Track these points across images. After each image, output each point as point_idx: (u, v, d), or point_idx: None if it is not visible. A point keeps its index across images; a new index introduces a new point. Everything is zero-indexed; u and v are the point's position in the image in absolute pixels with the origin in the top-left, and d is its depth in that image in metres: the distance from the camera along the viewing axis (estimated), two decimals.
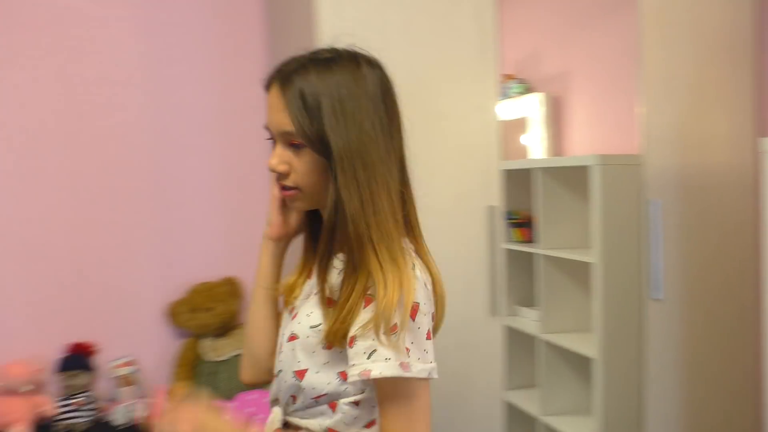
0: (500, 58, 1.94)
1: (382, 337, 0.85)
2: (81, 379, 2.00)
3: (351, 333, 0.88)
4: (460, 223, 1.90)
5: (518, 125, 2.55)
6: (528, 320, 2.11)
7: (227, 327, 2.12)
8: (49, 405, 1.94)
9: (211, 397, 2.00)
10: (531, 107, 2.48)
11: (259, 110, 2.22)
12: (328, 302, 0.93)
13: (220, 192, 2.21)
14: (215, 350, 2.10)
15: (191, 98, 2.16)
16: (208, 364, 2.07)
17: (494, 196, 1.93)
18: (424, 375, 0.87)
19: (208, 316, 2.03)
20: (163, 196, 2.13)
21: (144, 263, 2.13)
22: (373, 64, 0.98)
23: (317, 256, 0.96)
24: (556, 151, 2.46)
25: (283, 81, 0.96)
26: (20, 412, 1.88)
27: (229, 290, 2.14)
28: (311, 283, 1.01)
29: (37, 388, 1.97)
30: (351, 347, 0.88)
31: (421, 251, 0.97)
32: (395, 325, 0.86)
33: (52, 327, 2.03)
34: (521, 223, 2.15)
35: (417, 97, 1.81)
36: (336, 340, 0.89)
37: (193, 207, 2.18)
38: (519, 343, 2.12)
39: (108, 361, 2.06)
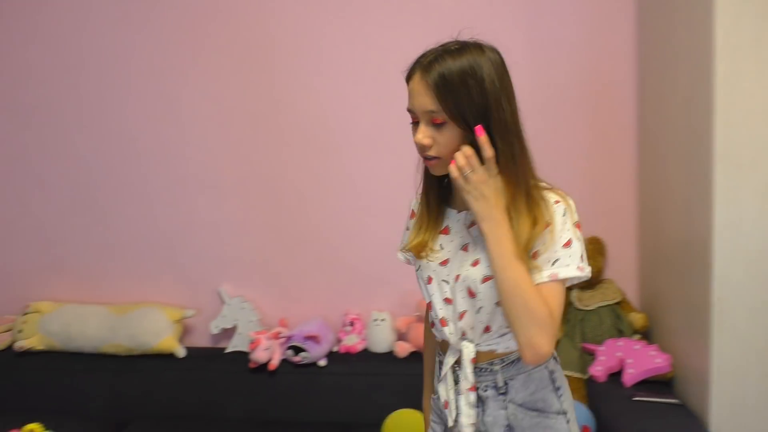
0: None
1: (561, 249, 1.13)
2: None
3: (533, 249, 1.14)
4: None
5: None
6: None
7: (594, 281, 2.36)
8: None
9: (580, 340, 2.28)
10: None
11: (628, 84, 2.36)
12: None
13: (586, 160, 2.42)
14: (581, 300, 2.36)
15: (564, 78, 2.40)
16: (577, 312, 2.35)
17: None
18: (588, 274, 1.15)
19: None
20: (539, 164, 2.41)
21: None
22: (494, 50, 1.19)
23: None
24: None
25: (424, 70, 1.15)
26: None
27: (595, 248, 2.36)
28: (455, 235, 1.26)
29: None
30: (535, 260, 1.14)
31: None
32: (569, 240, 1.14)
33: None
34: None
35: None
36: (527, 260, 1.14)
37: (564, 175, 2.42)
38: None
39: None
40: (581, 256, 1.15)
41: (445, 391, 1.29)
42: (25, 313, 2.55)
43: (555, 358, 1.29)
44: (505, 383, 1.25)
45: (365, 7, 2.44)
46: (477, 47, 1.17)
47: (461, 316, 1.24)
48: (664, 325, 2.19)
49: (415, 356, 2.33)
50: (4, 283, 2.66)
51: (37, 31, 2.57)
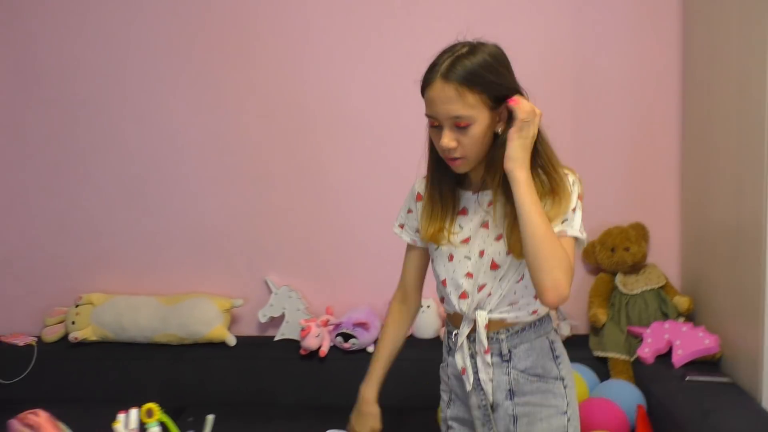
0: None
1: (570, 213, 1.30)
2: None
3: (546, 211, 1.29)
4: None
5: None
6: None
7: (638, 266, 2.41)
8: None
9: (626, 323, 2.33)
10: None
11: (672, 72, 2.39)
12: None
13: (627, 148, 2.47)
14: (625, 285, 2.41)
15: (608, 65, 2.45)
16: (622, 295, 2.40)
17: None
18: (586, 239, 1.34)
19: (626, 255, 2.35)
20: (584, 150, 2.46)
21: None
22: (497, 46, 1.29)
23: (498, 192, 1.32)
24: None
25: (444, 76, 1.22)
26: None
27: (639, 234, 2.40)
28: (473, 214, 1.38)
29: None
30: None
31: None
32: (576, 207, 1.31)
33: None
34: None
35: None
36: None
37: (608, 162, 2.48)
38: None
39: None
40: (581, 223, 1.33)
41: (461, 358, 1.42)
42: (77, 305, 2.60)
43: (555, 330, 1.46)
44: (509, 351, 1.39)
45: None
46: (482, 44, 1.28)
47: (480, 288, 1.37)
48: (711, 308, 2.23)
49: None
50: (56, 275, 2.72)
51: (85, 28, 2.61)
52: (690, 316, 2.34)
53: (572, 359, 2.18)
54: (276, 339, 2.57)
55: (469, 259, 1.38)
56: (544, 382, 1.41)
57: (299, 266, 2.65)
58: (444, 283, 1.43)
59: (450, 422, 1.53)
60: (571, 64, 2.46)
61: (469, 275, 1.38)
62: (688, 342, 2.14)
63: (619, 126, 2.46)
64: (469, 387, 1.42)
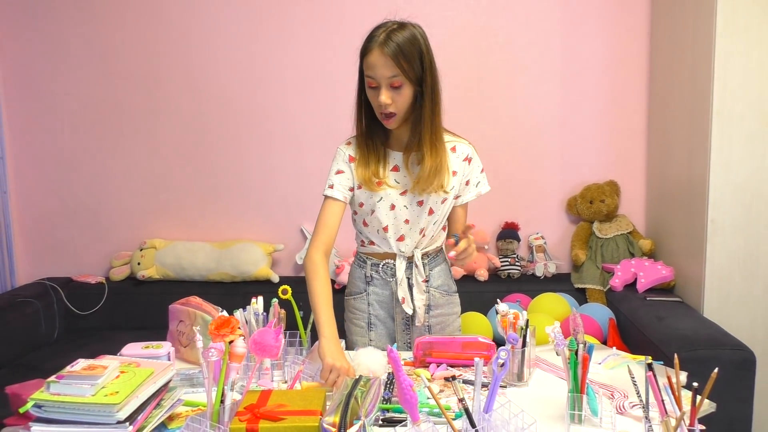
0: None
1: (479, 174, 1.74)
2: (512, 245, 3.05)
3: (466, 178, 1.70)
4: None
5: None
6: None
7: (611, 215, 2.95)
8: (495, 260, 3.08)
9: (601, 261, 2.87)
10: None
11: (641, 56, 2.90)
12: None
13: (604, 116, 3.00)
14: (600, 231, 2.95)
15: (589, 50, 2.97)
16: (598, 239, 2.94)
17: None
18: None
19: (601, 206, 2.90)
20: (568, 120, 3.01)
21: (551, 170, 3.06)
22: (419, 26, 1.57)
23: (420, 147, 1.61)
24: None
25: (381, 45, 1.50)
26: (481, 262, 3.05)
27: (612, 189, 2.94)
28: (405, 171, 1.65)
29: (489, 248, 3.12)
30: (468, 185, 1.73)
31: None
32: (482, 168, 1.75)
33: (493, 212, 3.11)
34: None
35: None
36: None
37: (585, 128, 3.02)
38: None
39: (528, 234, 3.09)
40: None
41: (402, 290, 1.73)
42: (142, 249, 3.06)
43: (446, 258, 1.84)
44: (428, 274, 1.77)
45: None
46: (410, 24, 1.57)
47: (421, 231, 1.70)
48: (668, 247, 2.79)
49: (465, 277, 2.93)
50: (122, 224, 3.17)
51: (154, 10, 3.04)
52: (652, 255, 2.90)
53: (557, 291, 2.78)
54: None
55: (407, 208, 1.68)
56: (451, 295, 1.82)
57: None
58: (386, 229, 1.70)
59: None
60: (558, 49, 2.97)
61: (407, 221, 1.70)
62: (649, 273, 2.69)
63: (597, 100, 3.00)
64: (410, 311, 1.74)
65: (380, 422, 1.30)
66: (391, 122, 1.59)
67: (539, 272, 2.99)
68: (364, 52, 1.54)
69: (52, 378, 1.19)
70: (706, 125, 2.38)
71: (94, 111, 3.12)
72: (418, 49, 1.54)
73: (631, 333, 2.48)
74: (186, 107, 3.09)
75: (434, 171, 1.62)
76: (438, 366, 1.59)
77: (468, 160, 1.72)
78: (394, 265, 1.74)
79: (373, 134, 1.65)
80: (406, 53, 1.51)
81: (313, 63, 3.02)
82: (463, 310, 1.93)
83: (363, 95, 1.62)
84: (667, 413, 1.15)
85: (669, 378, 1.16)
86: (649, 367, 1.17)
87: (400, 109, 1.56)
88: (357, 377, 1.32)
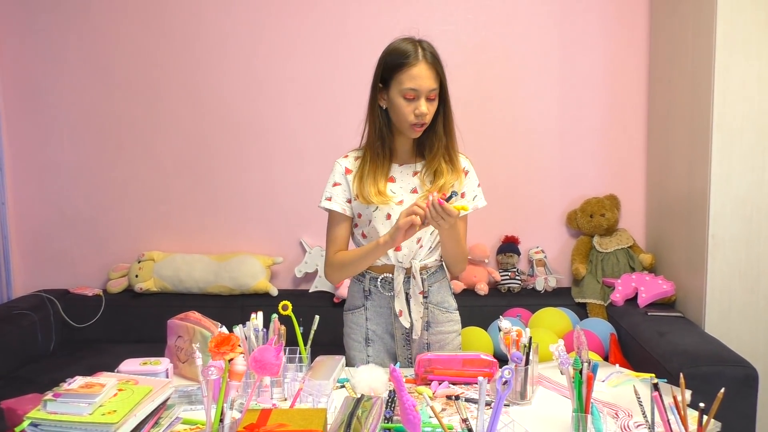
0: None
1: (477, 189, 1.76)
2: (513, 259, 3.04)
3: (461, 190, 1.72)
4: None
5: None
6: None
7: (611, 229, 2.94)
8: (495, 274, 3.06)
9: (601, 276, 2.85)
10: None
11: (640, 69, 2.90)
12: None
13: (604, 129, 3.00)
14: (600, 245, 2.95)
15: (588, 64, 2.98)
16: (598, 253, 2.93)
17: None
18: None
19: (602, 220, 2.89)
20: (568, 134, 3.01)
21: (551, 184, 3.06)
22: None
23: (432, 160, 1.70)
24: None
25: (427, 58, 1.59)
26: (481, 276, 3.04)
27: (612, 203, 2.94)
28: (402, 182, 1.70)
29: (489, 262, 3.11)
30: (463, 198, 1.72)
31: None
32: (479, 183, 1.77)
33: (494, 226, 3.11)
34: None
35: None
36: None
37: (585, 142, 3.02)
38: None
39: (528, 248, 3.08)
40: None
41: (399, 303, 1.72)
42: (140, 261, 3.04)
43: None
44: (427, 289, 1.75)
45: None
46: (429, 42, 1.65)
47: (418, 241, 1.70)
48: (668, 261, 2.78)
49: (465, 291, 2.92)
50: (121, 235, 3.15)
51: (154, 22, 3.04)
52: (652, 270, 2.89)
53: (557, 305, 2.76)
54: (311, 291, 3.04)
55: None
56: (450, 312, 1.80)
57: None
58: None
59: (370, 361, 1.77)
60: (557, 62, 2.98)
61: None
62: (650, 288, 2.68)
63: (596, 114, 3.00)
64: (407, 325, 1.72)
65: None
66: (420, 131, 1.67)
67: (540, 286, 2.98)
68: (403, 65, 1.59)
69: (49, 396, 1.18)
70: (706, 139, 2.38)
71: (93, 122, 3.11)
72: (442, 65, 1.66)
73: (633, 348, 2.47)
74: (186, 119, 3.08)
75: (454, 176, 1.71)
76: (440, 384, 1.57)
77: (465, 173, 1.75)
78: (393, 279, 1.74)
79: (384, 146, 1.70)
80: (442, 68, 1.64)
81: (313, 76, 3.03)
82: (463, 325, 1.91)
83: (376, 107, 1.68)
84: None
85: (675, 397, 1.15)
86: (655, 387, 1.15)
87: (428, 120, 1.64)
88: (359, 396, 1.31)
